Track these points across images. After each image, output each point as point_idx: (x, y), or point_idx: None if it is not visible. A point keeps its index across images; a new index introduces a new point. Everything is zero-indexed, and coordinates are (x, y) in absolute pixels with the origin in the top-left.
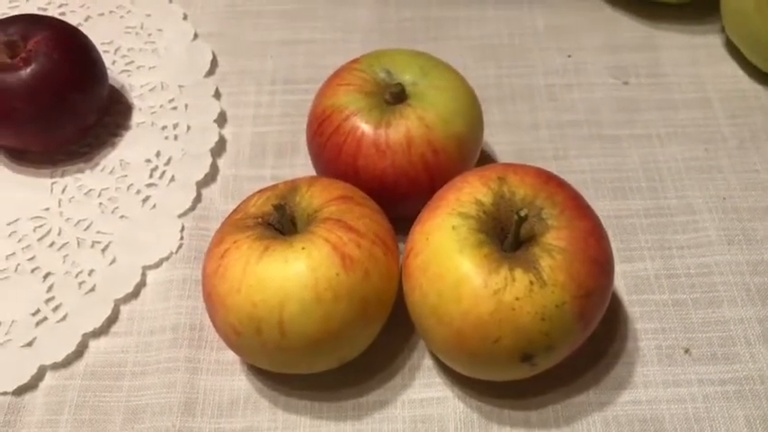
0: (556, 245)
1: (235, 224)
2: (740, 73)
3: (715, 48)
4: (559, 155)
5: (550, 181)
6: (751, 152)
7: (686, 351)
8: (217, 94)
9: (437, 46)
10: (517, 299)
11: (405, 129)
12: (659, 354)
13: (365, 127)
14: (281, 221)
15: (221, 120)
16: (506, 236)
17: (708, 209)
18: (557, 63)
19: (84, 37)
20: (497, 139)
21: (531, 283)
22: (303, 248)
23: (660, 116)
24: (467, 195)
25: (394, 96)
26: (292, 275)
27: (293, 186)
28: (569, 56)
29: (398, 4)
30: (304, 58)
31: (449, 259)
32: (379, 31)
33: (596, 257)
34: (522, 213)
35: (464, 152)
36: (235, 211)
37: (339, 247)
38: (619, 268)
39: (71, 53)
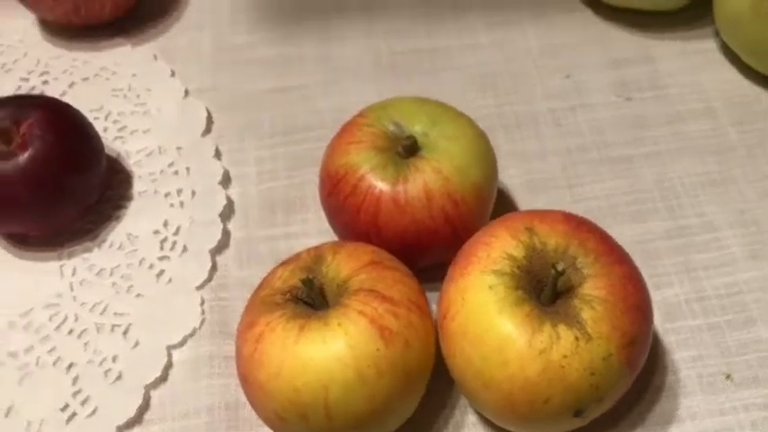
0: (596, 295)
1: (263, 302)
2: (740, 77)
3: (712, 52)
4: (572, 182)
5: (580, 227)
6: (761, 159)
7: (727, 377)
8: (217, 154)
9: (433, 79)
10: (565, 356)
11: (422, 183)
12: (701, 383)
13: (382, 185)
14: (310, 295)
15: (225, 180)
16: (542, 288)
17: (728, 224)
18: (556, 85)
19: (77, 112)
20: (507, 172)
21: (577, 338)
22: (339, 325)
23: (667, 131)
24: (497, 251)
25: (407, 149)
26: (332, 356)
27: (317, 255)
28: (568, 76)
29: (387, 36)
30: (300, 104)
31: (489, 321)
32: (372, 68)
33: (637, 303)
34: (560, 268)
35: (483, 200)
36: (260, 286)
37: (376, 320)
38: None
39: (66, 133)
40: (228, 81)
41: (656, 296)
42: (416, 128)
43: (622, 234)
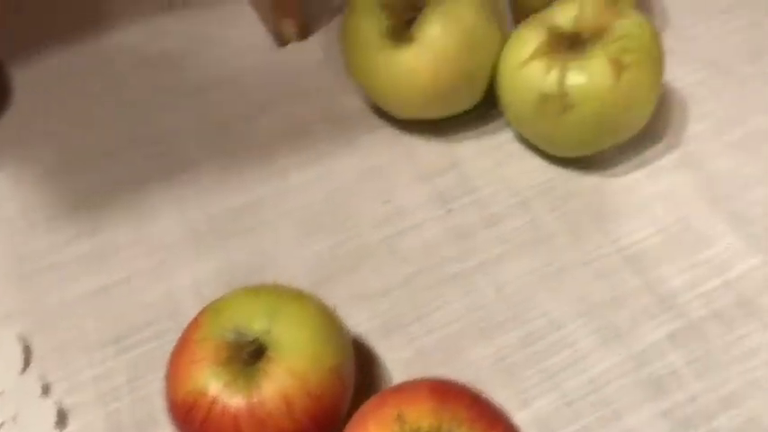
0: None
1: None
2: (541, 162)
3: (511, 143)
4: (420, 313)
5: (447, 397)
6: (583, 239)
7: None
8: (45, 390)
9: (257, 236)
10: None
11: (278, 390)
12: None
13: (237, 402)
14: None
15: (61, 420)
16: None
17: (571, 316)
18: (380, 212)
19: None
20: (355, 320)
21: None
22: None
23: (491, 235)
24: None
25: (252, 355)
26: None
27: None
28: (388, 201)
29: (199, 199)
30: (125, 300)
31: None
32: (193, 239)
33: None
34: None
35: (343, 379)
36: None
37: None
38: (521, 416)
39: None
40: (37, 295)
41: (525, 415)
42: (256, 327)
43: (480, 356)
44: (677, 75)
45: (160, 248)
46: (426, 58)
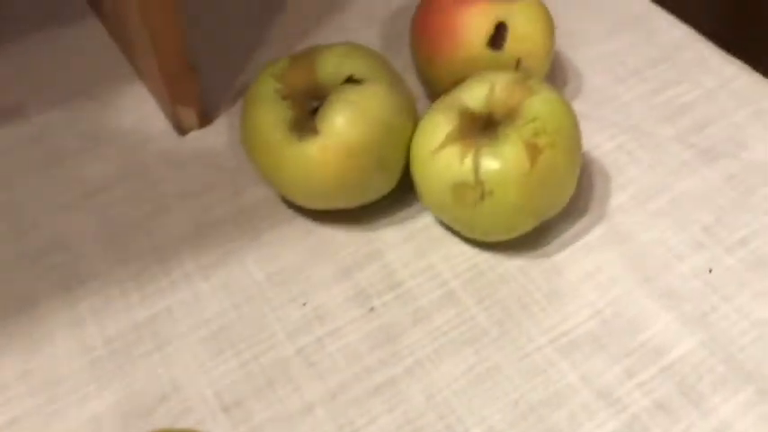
0: None
1: None
2: (465, 247)
3: (432, 228)
4: None
5: None
6: (515, 332)
7: None
8: None
9: (162, 358)
10: None
11: None
12: None
13: None
14: None
15: None
16: None
17: (508, 422)
18: (296, 318)
19: None
20: None
21: None
22: None
23: (419, 334)
24: None
25: None
26: None
27: None
28: (304, 303)
29: (96, 314)
30: None
31: None
32: (89, 366)
33: None
34: None
35: None
36: None
37: None
38: None
39: None
40: None
41: None
42: None
43: None
44: (596, 141)
45: (52, 382)
46: (333, 151)
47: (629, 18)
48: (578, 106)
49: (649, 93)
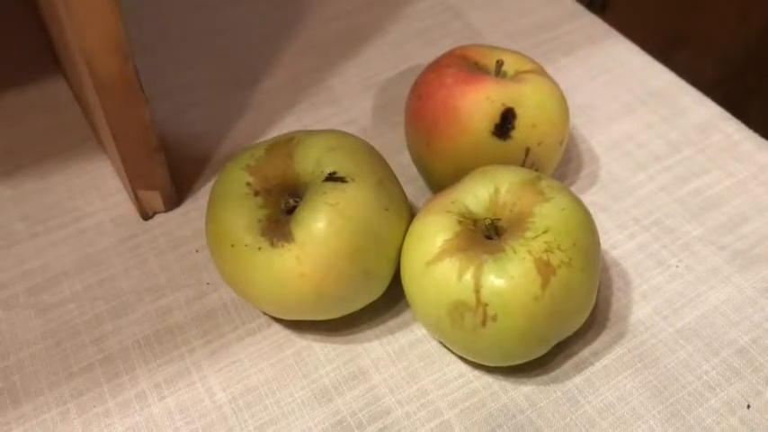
0: None
1: None
2: (464, 368)
3: (425, 342)
4: None
5: None
6: None
7: None
8: None
9: None
10: None
11: None
12: None
13: None
14: None
15: None
16: None
17: None
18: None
19: None
20: None
21: None
22: None
23: None
24: None
25: None
26: None
27: None
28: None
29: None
30: None
31: None
32: None
33: None
34: None
35: None
36: None
37: None
38: None
39: None
40: None
41: None
42: None
43: None
44: (615, 240)
45: None
46: (311, 263)
47: (649, 93)
48: (594, 197)
49: (673, 182)
